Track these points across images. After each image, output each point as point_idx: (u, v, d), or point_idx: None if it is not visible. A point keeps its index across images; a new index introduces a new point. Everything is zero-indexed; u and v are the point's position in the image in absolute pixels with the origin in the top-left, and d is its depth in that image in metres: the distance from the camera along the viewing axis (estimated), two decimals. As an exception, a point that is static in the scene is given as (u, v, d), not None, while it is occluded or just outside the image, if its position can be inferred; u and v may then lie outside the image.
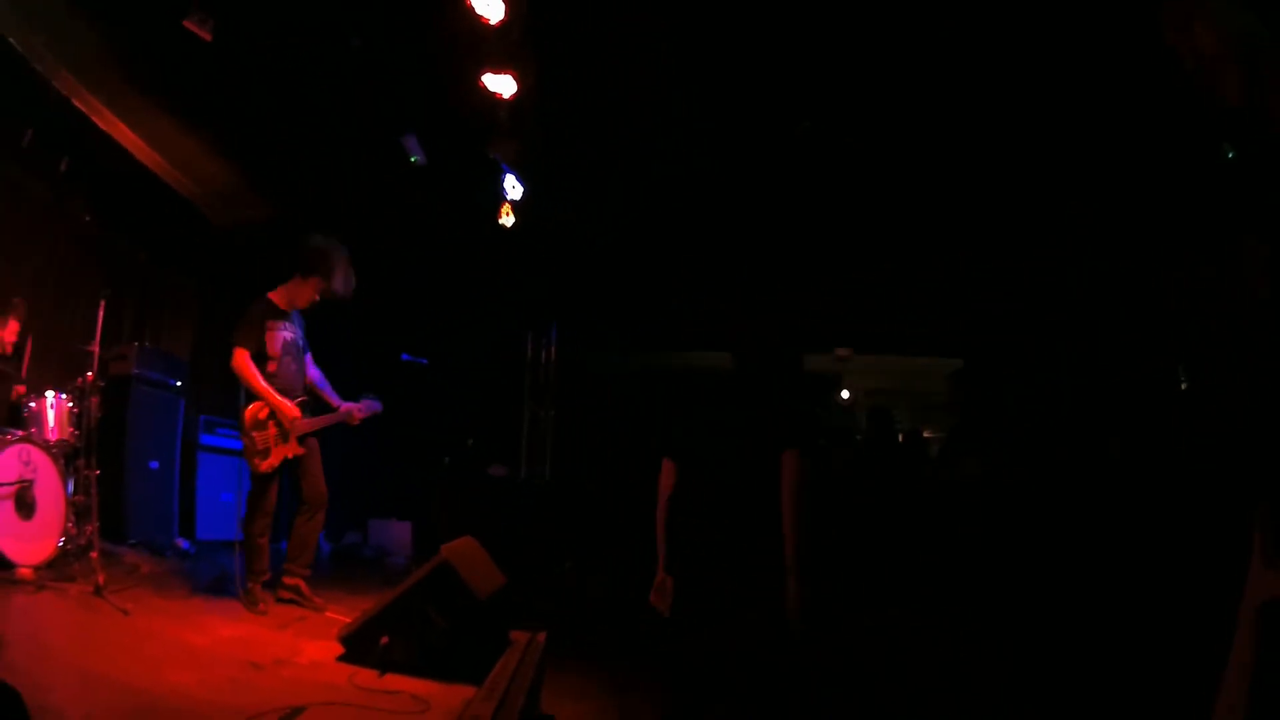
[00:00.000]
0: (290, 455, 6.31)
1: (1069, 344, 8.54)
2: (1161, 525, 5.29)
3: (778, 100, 7.66)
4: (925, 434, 9.34)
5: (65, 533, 5.75)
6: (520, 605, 5.69)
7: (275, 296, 6.54)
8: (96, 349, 6.19)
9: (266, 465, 6.24)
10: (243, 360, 6.25)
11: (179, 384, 8.54)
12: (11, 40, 6.81)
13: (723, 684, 3.58)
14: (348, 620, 5.37)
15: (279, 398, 6.28)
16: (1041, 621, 5.39)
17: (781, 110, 7.78)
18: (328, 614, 6.19)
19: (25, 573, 5.22)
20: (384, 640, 4.91)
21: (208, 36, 6.74)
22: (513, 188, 8.58)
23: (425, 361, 9.89)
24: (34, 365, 6.86)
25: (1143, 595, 5.10)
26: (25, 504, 5.46)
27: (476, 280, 11.29)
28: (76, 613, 4.95)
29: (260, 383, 6.22)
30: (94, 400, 6.21)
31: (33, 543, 5.43)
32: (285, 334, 6.51)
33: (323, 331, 10.74)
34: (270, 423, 6.27)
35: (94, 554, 5.40)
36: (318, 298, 6.63)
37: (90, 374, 6.19)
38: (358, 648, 5.01)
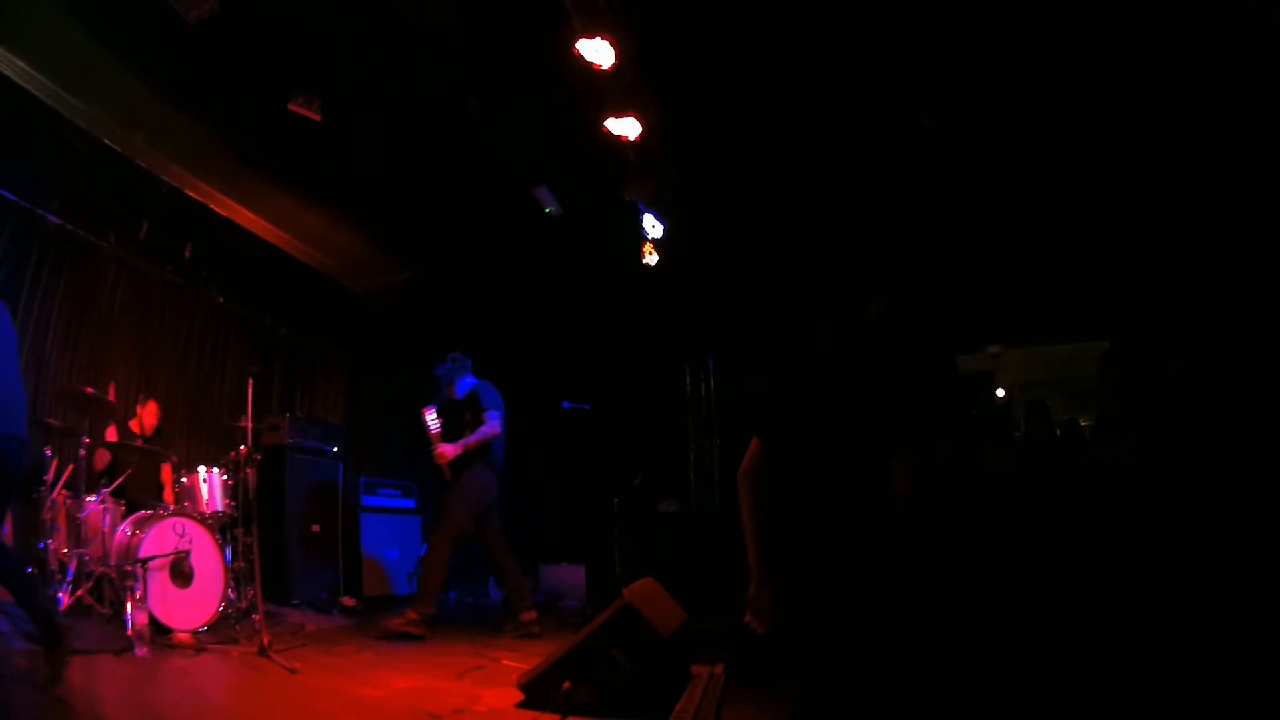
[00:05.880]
0: None
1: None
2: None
3: (912, 98, 7.24)
4: (1081, 422, 8.70)
5: (225, 598, 5.76)
6: (700, 638, 5.30)
7: None
8: (249, 423, 6.11)
9: None
10: None
11: (335, 449, 8.49)
12: (107, 141, 6.96)
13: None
14: (524, 667, 5.03)
15: None
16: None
17: (910, 106, 7.34)
18: (504, 661, 5.87)
19: (183, 637, 5.16)
20: (566, 685, 4.55)
21: (317, 116, 6.72)
22: (652, 226, 8.34)
23: (587, 407, 9.71)
24: (183, 443, 6.94)
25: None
26: (182, 573, 5.49)
27: (627, 321, 11.18)
28: (242, 673, 4.77)
29: None
30: (249, 471, 6.19)
31: (190, 609, 5.44)
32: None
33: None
34: None
35: (257, 616, 5.26)
36: None
37: (244, 447, 6.16)
38: (538, 693, 4.67)
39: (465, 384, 7.34)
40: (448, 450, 6.90)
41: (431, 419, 7.05)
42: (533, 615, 6.87)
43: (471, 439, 6.91)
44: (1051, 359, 12.08)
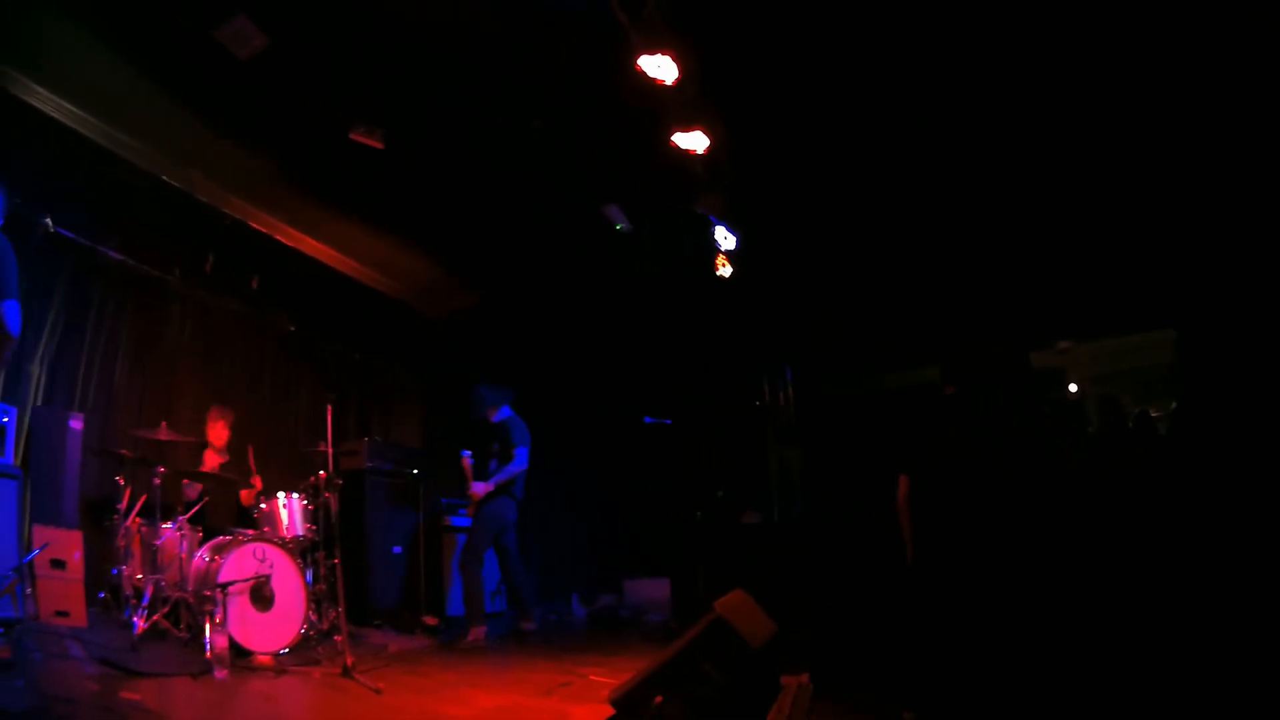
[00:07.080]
0: None
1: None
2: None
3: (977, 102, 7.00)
4: (1153, 413, 8.38)
5: (306, 620, 5.73)
6: (787, 648, 5.15)
7: None
8: (329, 449, 6.07)
9: None
10: None
11: (414, 471, 8.49)
12: (165, 177, 7.00)
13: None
14: (611, 683, 4.86)
15: None
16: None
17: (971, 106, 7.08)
18: (591, 677, 5.75)
19: (264, 659, 5.14)
20: (658, 699, 4.39)
21: (379, 145, 6.69)
22: (724, 238, 8.26)
23: (669, 422, 9.61)
24: (261, 469, 6.98)
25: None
26: (262, 597, 5.48)
27: (704, 334, 11.07)
28: (325, 693, 4.70)
29: None
30: (330, 495, 6.19)
31: (271, 631, 5.42)
32: None
33: (568, 406, 10.64)
34: None
35: (339, 637, 5.20)
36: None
37: (324, 472, 6.19)
38: (629, 709, 4.48)
39: (503, 412, 7.83)
40: (479, 489, 7.51)
41: (466, 457, 7.91)
42: (532, 626, 7.54)
43: (502, 476, 7.46)
44: (1122, 350, 11.71)
